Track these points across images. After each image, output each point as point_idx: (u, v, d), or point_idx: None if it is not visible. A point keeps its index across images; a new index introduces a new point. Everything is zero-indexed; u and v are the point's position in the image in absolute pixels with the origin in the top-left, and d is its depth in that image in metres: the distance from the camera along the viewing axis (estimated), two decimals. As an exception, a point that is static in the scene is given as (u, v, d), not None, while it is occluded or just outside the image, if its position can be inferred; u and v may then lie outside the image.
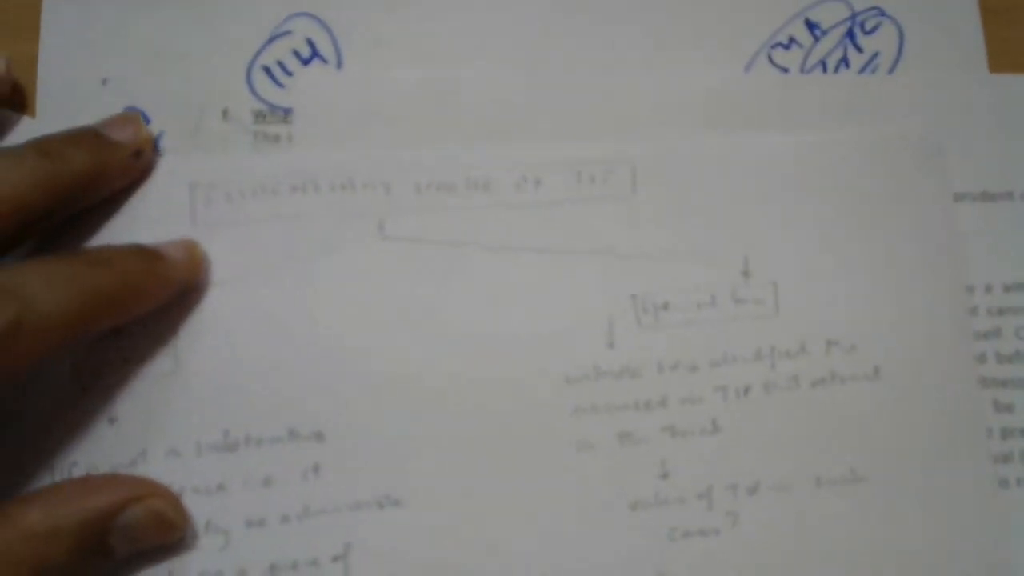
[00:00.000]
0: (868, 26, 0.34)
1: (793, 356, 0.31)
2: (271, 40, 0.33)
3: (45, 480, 0.29)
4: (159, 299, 0.28)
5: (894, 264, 0.32)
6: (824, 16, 0.34)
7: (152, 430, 0.29)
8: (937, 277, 0.32)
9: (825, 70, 0.34)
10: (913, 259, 0.32)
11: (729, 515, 0.30)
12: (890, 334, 0.31)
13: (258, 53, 0.33)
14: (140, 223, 0.30)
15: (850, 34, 0.34)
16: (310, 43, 0.33)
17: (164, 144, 0.32)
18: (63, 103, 0.32)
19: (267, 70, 0.33)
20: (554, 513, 0.30)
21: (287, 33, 0.33)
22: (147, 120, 0.33)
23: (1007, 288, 0.32)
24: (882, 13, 0.34)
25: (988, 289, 0.32)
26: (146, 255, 0.29)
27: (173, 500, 0.28)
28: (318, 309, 0.30)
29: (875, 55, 0.34)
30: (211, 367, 0.30)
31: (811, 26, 0.34)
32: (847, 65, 0.34)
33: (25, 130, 0.32)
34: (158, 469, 0.29)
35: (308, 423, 0.30)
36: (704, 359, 0.31)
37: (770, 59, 0.34)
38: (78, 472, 0.29)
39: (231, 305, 0.30)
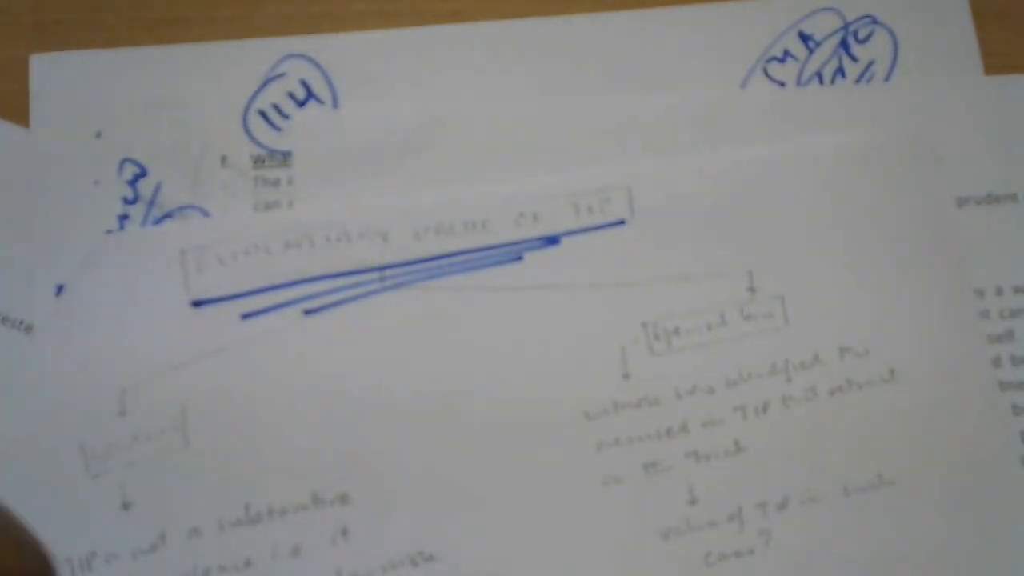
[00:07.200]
0: (861, 35, 0.34)
1: (808, 367, 0.31)
2: (265, 84, 0.33)
3: (64, 573, 0.28)
4: None
5: (898, 266, 0.32)
6: (817, 28, 0.34)
7: (169, 511, 0.29)
8: (941, 276, 0.32)
9: (821, 81, 0.34)
10: (916, 260, 0.32)
11: (762, 534, 0.30)
12: (902, 335, 0.31)
13: (253, 97, 0.33)
14: (134, 297, 0.30)
15: (844, 44, 0.34)
16: (304, 84, 0.33)
17: (163, 194, 0.32)
18: (58, 159, 0.32)
19: (263, 114, 0.33)
20: (587, 550, 0.30)
21: (281, 76, 0.33)
22: (145, 173, 0.32)
23: (1017, 290, 0.32)
24: (875, 21, 0.34)
25: (999, 292, 0.32)
26: None
27: None
28: (326, 368, 0.30)
29: (870, 63, 0.34)
30: (222, 439, 0.29)
31: (804, 38, 0.34)
32: (843, 75, 0.34)
33: (20, 142, 0.31)
34: (180, 551, 0.28)
35: (331, 486, 0.29)
36: (720, 380, 0.31)
37: (766, 73, 0.34)
38: (98, 563, 0.28)
39: (235, 373, 0.30)
